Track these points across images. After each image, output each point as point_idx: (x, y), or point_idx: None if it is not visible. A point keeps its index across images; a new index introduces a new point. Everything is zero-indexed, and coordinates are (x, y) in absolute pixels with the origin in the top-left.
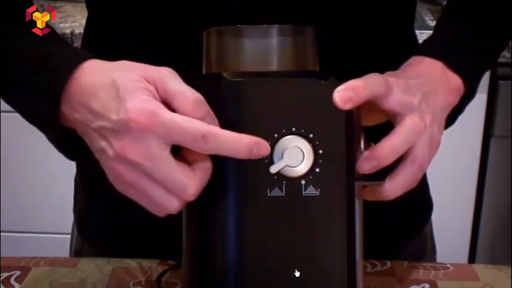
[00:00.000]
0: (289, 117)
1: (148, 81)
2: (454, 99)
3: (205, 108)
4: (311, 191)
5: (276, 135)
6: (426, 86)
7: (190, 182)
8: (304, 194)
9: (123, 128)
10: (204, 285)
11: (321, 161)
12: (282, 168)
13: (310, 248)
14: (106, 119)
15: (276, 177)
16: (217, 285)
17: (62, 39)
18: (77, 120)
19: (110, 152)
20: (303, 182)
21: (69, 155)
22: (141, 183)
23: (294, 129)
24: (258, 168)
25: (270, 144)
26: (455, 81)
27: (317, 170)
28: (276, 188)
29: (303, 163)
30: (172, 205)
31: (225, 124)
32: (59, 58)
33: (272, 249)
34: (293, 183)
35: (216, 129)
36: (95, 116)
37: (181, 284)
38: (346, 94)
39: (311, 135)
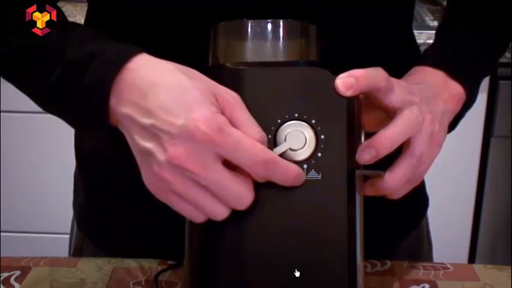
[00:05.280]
0: (292, 104)
1: (216, 99)
2: (456, 107)
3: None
4: (313, 175)
5: (278, 120)
6: (427, 91)
7: (247, 192)
8: (306, 178)
9: (185, 135)
10: (206, 274)
11: (322, 146)
12: (285, 151)
13: (311, 231)
14: (163, 121)
15: None
16: (218, 272)
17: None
18: (123, 115)
19: (161, 157)
20: (305, 166)
21: (118, 155)
22: (192, 193)
23: (296, 115)
24: None
25: (273, 130)
26: (456, 89)
27: (319, 154)
28: None
29: (305, 147)
30: (222, 214)
31: None
32: (109, 51)
33: (273, 234)
34: None
35: (276, 158)
36: (146, 112)
37: (184, 277)
38: (348, 81)
39: (313, 121)
